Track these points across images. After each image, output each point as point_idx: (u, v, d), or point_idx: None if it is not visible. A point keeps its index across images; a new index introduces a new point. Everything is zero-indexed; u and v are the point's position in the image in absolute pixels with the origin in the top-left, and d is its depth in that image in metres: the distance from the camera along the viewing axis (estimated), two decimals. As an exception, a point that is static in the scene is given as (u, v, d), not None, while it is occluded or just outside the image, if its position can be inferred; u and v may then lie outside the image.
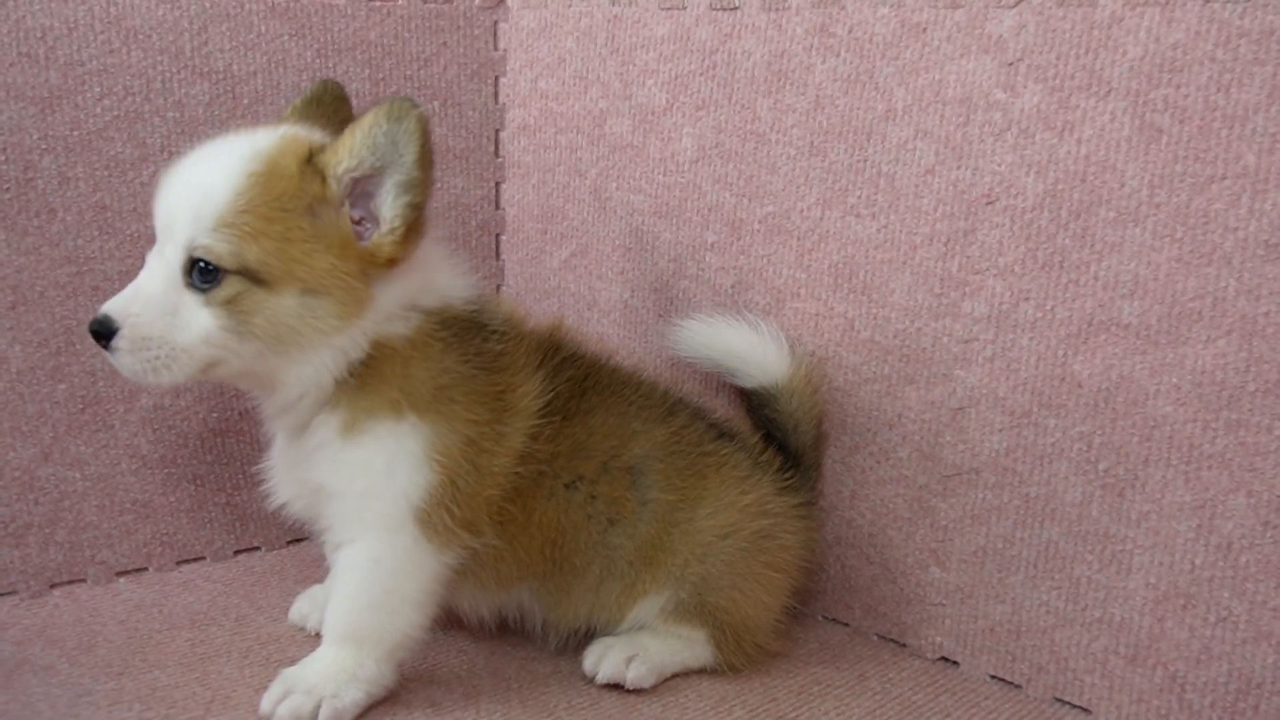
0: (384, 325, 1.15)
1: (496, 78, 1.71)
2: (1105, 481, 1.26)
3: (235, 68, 1.56)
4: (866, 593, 1.46)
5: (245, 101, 1.58)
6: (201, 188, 1.10)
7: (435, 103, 1.69)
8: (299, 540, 1.64)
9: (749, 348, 1.41)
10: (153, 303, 1.10)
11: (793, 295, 1.48)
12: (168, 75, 1.53)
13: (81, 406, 1.49)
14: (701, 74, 1.53)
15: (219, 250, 1.08)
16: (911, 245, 1.38)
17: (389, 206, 1.10)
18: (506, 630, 1.40)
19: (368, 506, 1.16)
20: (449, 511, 1.16)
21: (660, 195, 1.59)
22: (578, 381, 1.28)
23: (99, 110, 1.49)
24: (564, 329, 1.34)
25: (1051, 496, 1.30)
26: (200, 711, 1.18)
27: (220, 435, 1.58)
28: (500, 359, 1.21)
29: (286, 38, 1.59)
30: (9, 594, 1.41)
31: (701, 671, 1.34)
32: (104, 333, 1.10)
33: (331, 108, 1.29)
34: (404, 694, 1.24)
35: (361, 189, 1.11)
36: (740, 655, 1.34)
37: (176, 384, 1.20)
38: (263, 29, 1.57)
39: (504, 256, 1.81)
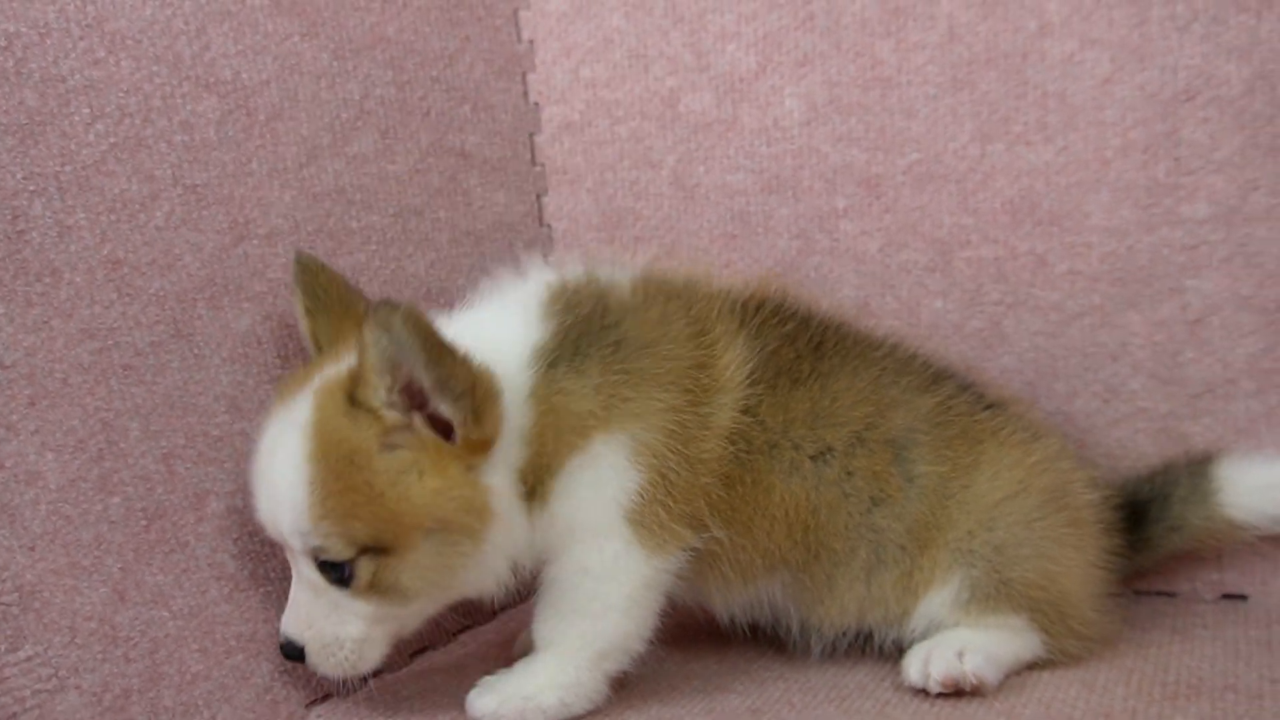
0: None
1: (524, 73, 1.47)
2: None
3: (244, 76, 1.24)
4: (1116, 548, 1.32)
5: (262, 117, 1.25)
6: (281, 492, 1.03)
7: (465, 107, 1.42)
8: (421, 651, 1.29)
9: None
10: (315, 613, 1.06)
11: (961, 245, 1.34)
12: (167, 89, 1.19)
13: (145, 523, 1.10)
14: (797, 27, 1.37)
15: (332, 547, 1.02)
16: (1102, 161, 1.28)
17: (446, 407, 1.01)
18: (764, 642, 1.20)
19: (575, 518, 1.09)
20: (664, 507, 1.07)
21: (766, 169, 1.40)
22: (804, 340, 1.15)
23: (91, 138, 1.13)
24: (773, 287, 1.18)
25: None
26: None
27: (307, 536, 1.22)
28: (653, 340, 1.09)
29: (297, 38, 1.29)
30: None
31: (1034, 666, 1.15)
32: (295, 656, 1.07)
33: (320, 278, 1.16)
34: None
35: (417, 390, 1.01)
36: (1071, 637, 1.15)
37: (387, 660, 1.11)
38: (269, 28, 1.26)
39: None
